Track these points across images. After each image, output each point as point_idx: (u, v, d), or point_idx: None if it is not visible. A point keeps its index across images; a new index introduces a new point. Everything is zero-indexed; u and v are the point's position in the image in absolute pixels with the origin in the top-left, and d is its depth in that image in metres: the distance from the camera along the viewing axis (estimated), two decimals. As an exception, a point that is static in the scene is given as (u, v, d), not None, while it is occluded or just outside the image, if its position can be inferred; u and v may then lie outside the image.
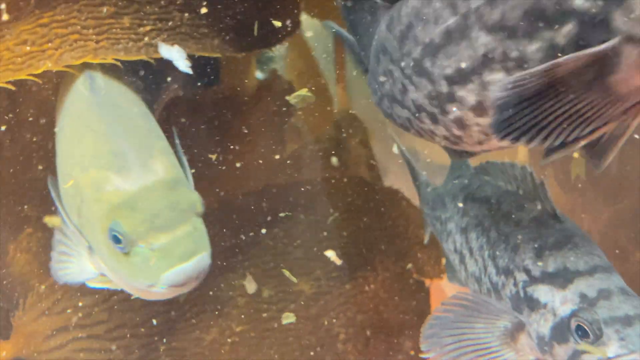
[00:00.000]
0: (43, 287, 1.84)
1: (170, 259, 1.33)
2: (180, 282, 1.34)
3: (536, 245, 1.53)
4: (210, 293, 1.95)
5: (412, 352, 2.01)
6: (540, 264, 1.49)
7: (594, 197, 2.32)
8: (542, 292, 1.47)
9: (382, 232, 2.10)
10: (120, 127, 1.51)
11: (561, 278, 1.45)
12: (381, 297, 2.04)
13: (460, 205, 1.81)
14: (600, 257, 1.49)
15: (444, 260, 2.09)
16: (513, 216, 1.62)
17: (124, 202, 1.37)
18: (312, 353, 1.96)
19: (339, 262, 1.99)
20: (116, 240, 1.35)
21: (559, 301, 1.43)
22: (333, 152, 2.28)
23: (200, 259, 1.36)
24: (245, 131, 2.15)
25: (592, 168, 1.36)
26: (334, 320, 1.95)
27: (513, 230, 1.60)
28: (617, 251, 2.21)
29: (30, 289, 1.86)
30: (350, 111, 2.62)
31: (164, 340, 1.92)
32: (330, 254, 1.98)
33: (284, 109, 2.25)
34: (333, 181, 2.15)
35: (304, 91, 1.90)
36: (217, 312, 1.96)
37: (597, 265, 1.46)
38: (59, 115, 1.65)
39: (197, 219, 1.41)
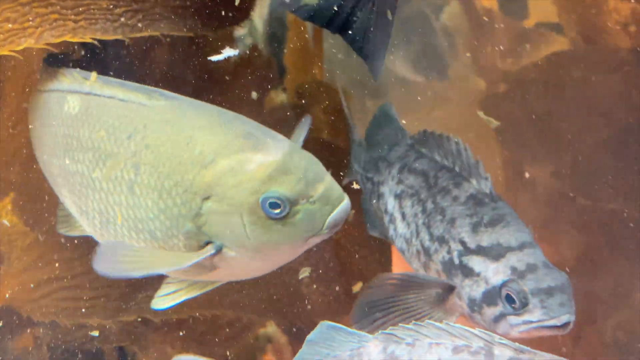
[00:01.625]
0: (28, 241, 1.97)
1: (332, 203, 1.43)
2: (341, 221, 1.45)
3: (472, 221, 1.75)
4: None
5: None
6: (476, 237, 1.72)
7: (539, 151, 2.52)
8: (477, 263, 1.69)
9: (344, 188, 2.23)
10: (224, 115, 1.55)
11: (494, 251, 1.68)
12: (343, 245, 2.20)
13: (396, 173, 1.98)
14: (528, 234, 1.72)
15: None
16: (450, 192, 1.83)
17: (274, 171, 1.43)
18: (278, 296, 2.12)
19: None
20: (273, 207, 1.41)
21: (491, 272, 1.66)
22: (293, 118, 2.41)
23: (348, 198, 1.47)
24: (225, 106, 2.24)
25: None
26: (299, 266, 2.09)
27: (450, 205, 1.81)
28: (559, 198, 2.42)
29: (15, 245, 1.99)
30: (319, 79, 2.71)
31: (141, 290, 2.06)
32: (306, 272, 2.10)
33: (262, 84, 2.34)
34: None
35: None
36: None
37: (526, 241, 1.70)
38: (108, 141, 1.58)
39: None
